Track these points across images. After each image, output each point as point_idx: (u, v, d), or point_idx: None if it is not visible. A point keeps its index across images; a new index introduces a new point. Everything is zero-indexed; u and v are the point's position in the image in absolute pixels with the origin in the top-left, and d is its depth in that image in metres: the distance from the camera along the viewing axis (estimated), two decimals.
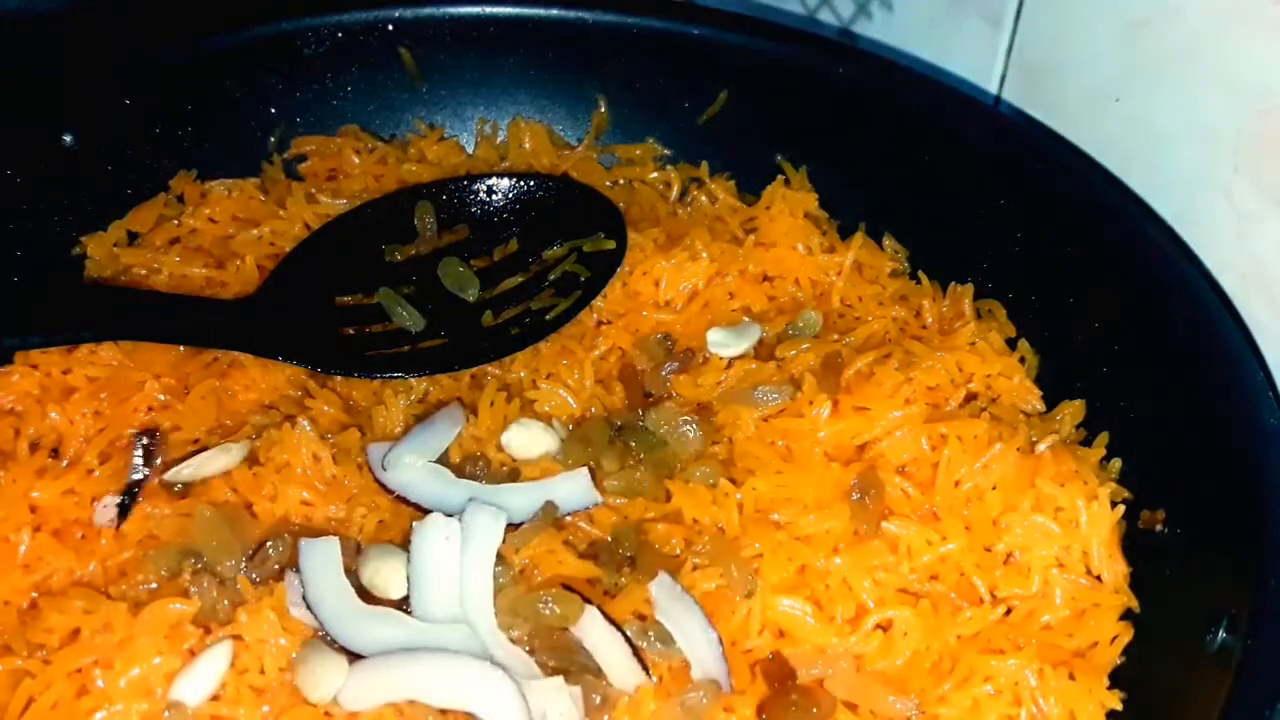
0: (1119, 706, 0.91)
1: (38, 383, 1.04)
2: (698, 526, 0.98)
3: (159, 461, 0.99)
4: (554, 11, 1.26)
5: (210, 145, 1.22)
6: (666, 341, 1.12)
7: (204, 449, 1.00)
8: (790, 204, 1.22)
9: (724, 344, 1.11)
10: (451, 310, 1.14)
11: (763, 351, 1.12)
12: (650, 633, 0.91)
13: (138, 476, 0.98)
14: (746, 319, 1.15)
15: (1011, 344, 1.13)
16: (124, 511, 0.96)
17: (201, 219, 1.18)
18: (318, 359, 1.06)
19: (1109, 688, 0.91)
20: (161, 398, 1.04)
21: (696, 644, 0.90)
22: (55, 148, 1.14)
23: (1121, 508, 0.99)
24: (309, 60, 1.24)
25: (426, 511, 0.95)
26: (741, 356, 1.11)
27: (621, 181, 1.28)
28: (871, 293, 1.18)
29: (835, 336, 1.12)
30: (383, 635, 0.89)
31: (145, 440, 0.99)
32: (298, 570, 0.92)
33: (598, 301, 1.14)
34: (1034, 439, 1.03)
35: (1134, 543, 0.99)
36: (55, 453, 1.01)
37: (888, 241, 1.22)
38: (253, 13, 1.23)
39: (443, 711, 0.87)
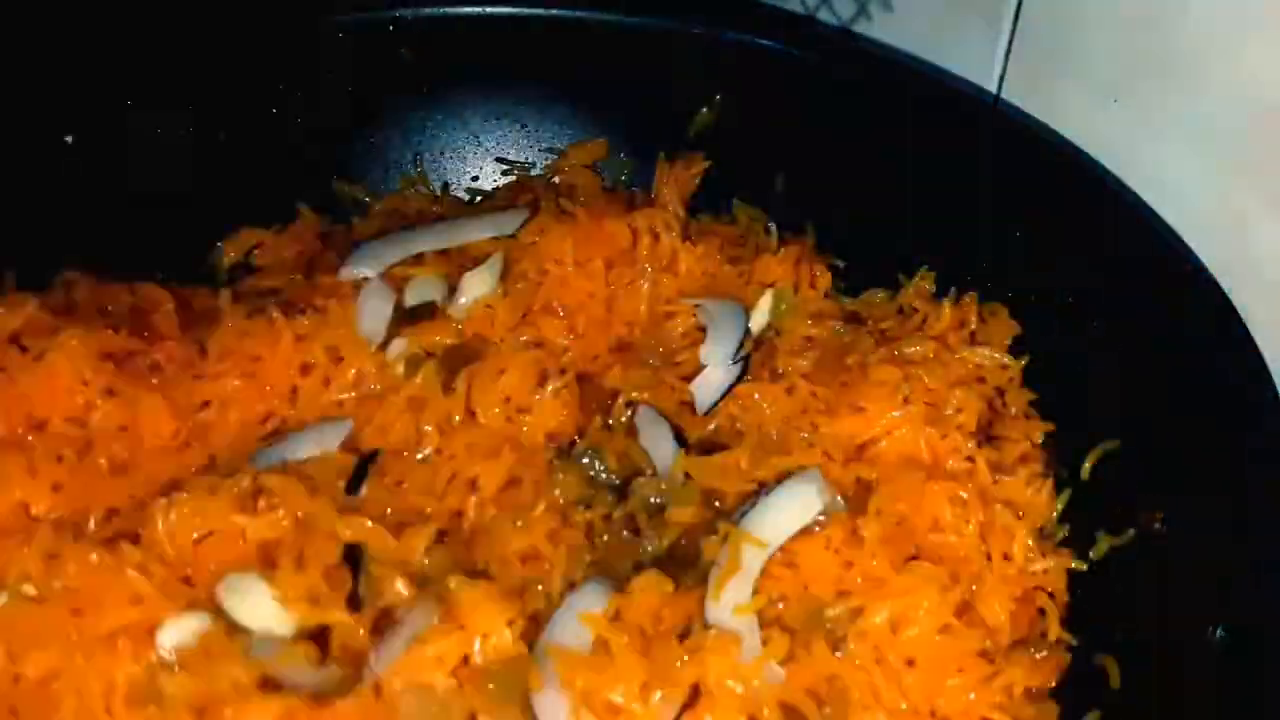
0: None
1: None
2: None
3: None
4: (554, 11, 1.26)
5: (210, 144, 1.22)
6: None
7: None
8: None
9: None
10: None
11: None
12: None
13: None
14: None
15: (1011, 344, 1.14)
16: None
17: None
18: None
19: (1109, 687, 0.92)
20: None
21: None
22: (55, 148, 1.14)
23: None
24: (308, 60, 1.24)
25: None
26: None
27: None
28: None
29: None
30: None
31: None
32: None
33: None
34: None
35: (1134, 542, 0.99)
36: None
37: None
38: (252, 13, 1.23)
39: None
